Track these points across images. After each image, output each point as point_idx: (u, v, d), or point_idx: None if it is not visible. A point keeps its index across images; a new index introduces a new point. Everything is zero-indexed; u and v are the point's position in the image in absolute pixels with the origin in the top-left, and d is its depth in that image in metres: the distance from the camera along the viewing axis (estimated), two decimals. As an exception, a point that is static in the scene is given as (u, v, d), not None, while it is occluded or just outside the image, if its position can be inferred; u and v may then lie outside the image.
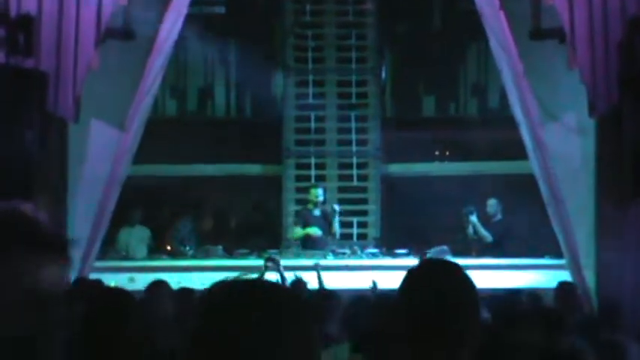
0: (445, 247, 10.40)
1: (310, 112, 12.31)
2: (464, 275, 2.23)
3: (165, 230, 11.70)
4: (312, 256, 9.77)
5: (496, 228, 10.77)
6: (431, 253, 10.28)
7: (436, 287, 2.16)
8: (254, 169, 12.58)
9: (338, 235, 10.55)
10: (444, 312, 2.13)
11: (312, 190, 10.66)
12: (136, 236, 11.05)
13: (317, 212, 10.56)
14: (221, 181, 12.73)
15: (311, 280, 7.75)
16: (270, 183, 12.50)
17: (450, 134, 12.72)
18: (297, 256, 10.18)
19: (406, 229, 11.57)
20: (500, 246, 10.45)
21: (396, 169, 12.71)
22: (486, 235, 10.69)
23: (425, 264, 2.31)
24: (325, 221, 10.52)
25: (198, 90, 12.86)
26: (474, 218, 10.72)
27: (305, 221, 10.55)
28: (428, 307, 2.14)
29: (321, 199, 10.55)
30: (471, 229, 10.77)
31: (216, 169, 12.51)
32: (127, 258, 10.41)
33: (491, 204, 10.96)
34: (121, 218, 10.08)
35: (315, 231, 10.34)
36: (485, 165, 12.31)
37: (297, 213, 10.81)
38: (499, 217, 10.94)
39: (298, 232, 10.53)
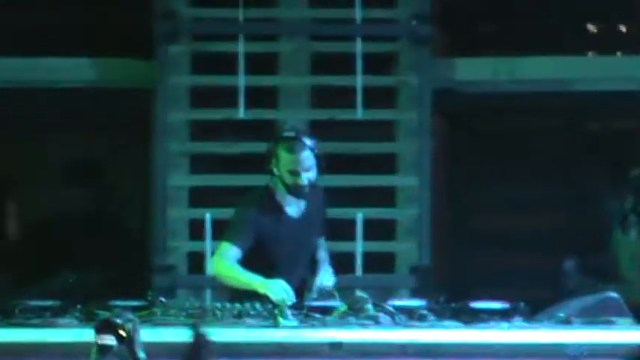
0: (614, 295, 8.26)
1: None
2: None
3: None
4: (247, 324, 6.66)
5: None
6: (579, 308, 7.51)
7: None
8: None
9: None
10: None
11: (284, 154, 7.96)
12: None
13: (295, 208, 7.85)
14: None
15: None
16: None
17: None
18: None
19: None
20: None
21: (465, 75, 10.05)
22: None
23: None
24: (313, 231, 7.97)
25: None
26: None
27: (258, 230, 7.78)
28: None
29: (306, 181, 7.81)
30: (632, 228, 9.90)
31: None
32: None
33: None
34: None
35: (274, 292, 7.20)
36: None
37: (242, 203, 8.07)
38: None
39: (226, 267, 7.51)
